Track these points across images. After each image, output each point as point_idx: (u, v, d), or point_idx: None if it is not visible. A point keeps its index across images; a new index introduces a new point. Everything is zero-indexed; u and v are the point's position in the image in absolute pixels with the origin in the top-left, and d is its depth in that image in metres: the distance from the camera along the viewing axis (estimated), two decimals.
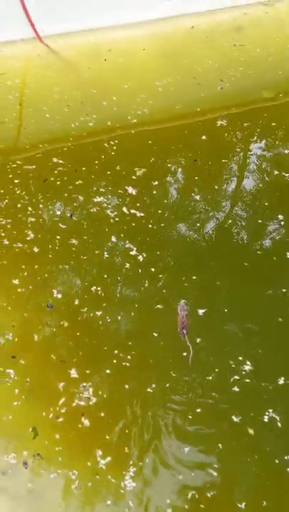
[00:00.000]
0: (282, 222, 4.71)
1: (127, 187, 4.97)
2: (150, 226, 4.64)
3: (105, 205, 4.79)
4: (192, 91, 6.11)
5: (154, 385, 3.72)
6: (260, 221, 4.75)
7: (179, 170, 5.17)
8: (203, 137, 5.51)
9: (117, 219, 4.67)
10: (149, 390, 3.71)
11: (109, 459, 3.45)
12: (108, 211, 4.74)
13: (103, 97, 5.87)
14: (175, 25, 6.95)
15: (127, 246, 4.49)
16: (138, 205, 4.79)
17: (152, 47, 6.62)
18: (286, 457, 3.47)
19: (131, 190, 4.94)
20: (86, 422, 3.58)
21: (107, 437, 3.53)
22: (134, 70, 6.29)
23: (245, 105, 6.01)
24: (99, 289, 4.22)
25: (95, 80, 6.08)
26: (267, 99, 6.04)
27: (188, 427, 3.58)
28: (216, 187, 5.03)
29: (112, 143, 5.39)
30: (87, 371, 3.79)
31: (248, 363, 3.82)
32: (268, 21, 7.19)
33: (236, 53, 6.64)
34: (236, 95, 6.10)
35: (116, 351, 3.87)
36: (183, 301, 4.10)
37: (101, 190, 4.93)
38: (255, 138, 5.55)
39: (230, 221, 4.74)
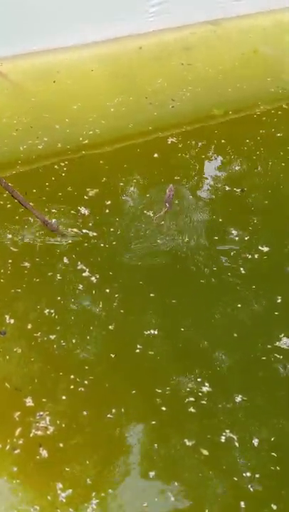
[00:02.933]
0: (236, 238, 4.66)
1: (79, 207, 4.87)
2: (102, 245, 4.54)
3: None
4: (144, 110, 6.08)
5: (113, 410, 3.58)
6: (215, 237, 4.70)
7: (132, 188, 5.09)
8: (155, 155, 5.46)
9: (69, 241, 4.55)
10: (108, 415, 3.57)
11: (70, 491, 3.29)
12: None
13: (54, 119, 5.79)
14: (123, 46, 6.93)
15: (79, 267, 4.37)
16: (90, 225, 4.70)
17: (101, 68, 6.59)
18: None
19: (83, 210, 4.84)
20: (44, 453, 3.42)
21: (67, 469, 3.37)
22: (84, 91, 6.23)
23: (196, 123, 5.99)
24: (52, 311, 4.09)
25: (44, 102, 6.00)
26: (217, 117, 6.04)
27: (151, 452, 3.44)
28: (169, 204, 4.96)
29: (62, 164, 5.30)
30: (44, 399, 3.64)
31: (206, 383, 3.71)
32: (215, 40, 7.24)
33: (185, 72, 6.65)
34: (187, 113, 6.09)
35: (72, 376, 3.73)
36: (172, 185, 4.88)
37: (52, 211, 4.81)
38: (206, 155, 5.52)
39: (184, 238, 4.67)
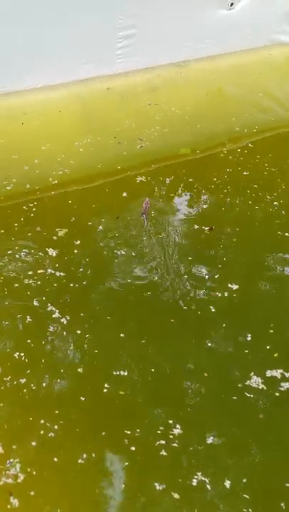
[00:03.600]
0: (206, 276, 4.70)
1: (47, 248, 4.86)
2: (72, 286, 4.53)
3: (26, 267, 4.65)
4: (112, 150, 6.14)
5: (84, 455, 3.52)
6: (185, 276, 4.72)
7: (100, 227, 5.11)
8: (124, 194, 5.51)
9: (38, 282, 4.53)
10: (80, 461, 3.50)
11: None
12: (29, 274, 4.60)
13: (23, 160, 5.81)
14: (91, 87, 7.04)
15: (49, 309, 4.35)
16: (58, 265, 4.69)
17: (68, 108, 6.67)
18: None
19: (51, 251, 4.83)
20: (15, 503, 3.33)
21: None
22: (52, 131, 6.29)
23: (164, 162, 6.07)
24: (22, 354, 4.03)
25: (13, 144, 6.03)
26: (185, 156, 6.14)
27: (122, 497, 3.39)
28: (139, 244, 4.99)
29: (31, 205, 5.31)
30: (13, 446, 3.56)
31: (177, 425, 3.68)
32: (181, 81, 7.40)
33: (152, 112, 6.77)
34: (155, 152, 6.17)
35: (42, 421, 3.66)
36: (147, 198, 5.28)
37: (22, 252, 4.79)
38: (174, 193, 5.59)
39: (154, 277, 4.69)
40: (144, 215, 5.24)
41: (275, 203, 5.50)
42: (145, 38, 7.25)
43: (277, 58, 8.01)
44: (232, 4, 7.65)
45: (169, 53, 7.53)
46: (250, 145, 6.27)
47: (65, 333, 4.19)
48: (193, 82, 7.42)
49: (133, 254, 4.89)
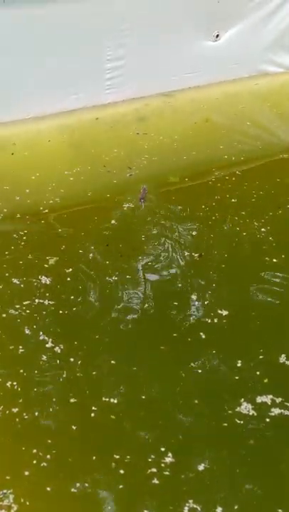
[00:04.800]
0: (196, 303, 4.76)
1: (40, 276, 4.91)
2: (64, 314, 4.58)
3: (18, 296, 4.69)
4: (102, 178, 6.23)
5: (77, 484, 3.53)
6: (175, 303, 4.77)
7: (91, 255, 5.17)
8: (113, 222, 5.58)
9: (28, 311, 4.57)
10: (72, 490, 3.51)
11: None
12: (21, 302, 4.64)
13: (14, 191, 5.87)
14: (80, 117, 7.16)
15: (41, 338, 4.38)
16: (49, 294, 4.73)
17: (58, 139, 6.77)
18: None
19: (44, 279, 4.88)
20: None
21: None
22: (42, 161, 6.38)
23: (153, 190, 6.14)
24: (15, 383, 4.06)
25: (4, 174, 6.10)
26: (173, 184, 6.23)
27: None
28: (129, 270, 5.05)
29: (21, 233, 5.37)
30: (7, 476, 3.57)
31: (169, 453, 3.70)
32: (169, 111, 7.53)
33: (141, 142, 6.87)
34: (144, 180, 6.24)
35: (35, 450, 3.67)
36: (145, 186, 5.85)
37: (13, 281, 4.84)
38: (163, 220, 5.65)
39: (145, 305, 4.74)
40: (142, 200, 5.74)
41: (262, 229, 5.58)
42: (133, 69, 7.39)
43: (263, 88, 8.17)
44: (218, 35, 7.82)
45: (157, 84, 7.67)
46: (237, 172, 6.37)
47: (58, 361, 4.22)
48: (181, 112, 7.56)
49: (124, 279, 4.94)
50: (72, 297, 4.75)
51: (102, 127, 7.08)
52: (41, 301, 4.67)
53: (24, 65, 6.69)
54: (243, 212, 5.77)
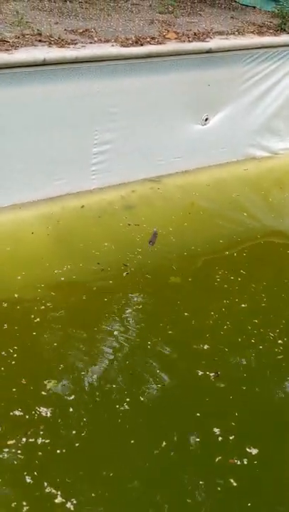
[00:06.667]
0: (220, 438, 4.10)
1: (37, 407, 4.19)
2: (58, 452, 3.89)
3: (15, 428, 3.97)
4: (96, 278, 5.61)
5: None
6: (197, 439, 4.14)
7: (94, 376, 4.52)
8: (116, 333, 4.95)
9: (25, 455, 3.85)
10: None
11: None
12: (19, 448, 3.92)
13: (0, 296, 5.18)
14: (64, 205, 6.58)
15: (47, 491, 3.65)
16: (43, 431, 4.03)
17: (42, 230, 6.15)
18: None
19: (44, 411, 4.16)
20: None
21: None
22: (26, 257, 5.73)
23: (153, 292, 5.55)
24: None
25: None
26: (175, 284, 5.65)
27: None
28: (140, 390, 4.41)
29: (11, 350, 4.65)
30: None
31: None
32: (158, 198, 7.06)
33: (133, 234, 6.33)
34: (143, 281, 5.64)
35: None
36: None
37: (13, 414, 4.10)
38: (172, 330, 5.04)
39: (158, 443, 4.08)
40: (151, 243, 5.95)
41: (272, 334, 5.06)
42: (120, 153, 6.92)
43: (251, 173, 7.84)
44: (207, 119, 7.48)
45: (144, 169, 7.21)
46: (242, 272, 5.86)
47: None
48: (170, 200, 7.09)
49: (138, 404, 4.30)
50: (73, 432, 4.05)
51: (89, 217, 6.49)
52: (39, 441, 3.95)
53: (5, 148, 6.09)
54: (256, 321, 5.24)
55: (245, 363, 4.82)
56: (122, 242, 6.17)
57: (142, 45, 6.77)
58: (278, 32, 7.93)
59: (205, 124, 7.51)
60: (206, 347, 4.91)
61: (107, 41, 6.73)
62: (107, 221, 6.50)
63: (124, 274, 5.68)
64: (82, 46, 6.41)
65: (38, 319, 5.00)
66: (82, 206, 6.61)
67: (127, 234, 6.32)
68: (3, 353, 4.63)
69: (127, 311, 5.22)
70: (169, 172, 7.41)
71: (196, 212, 6.91)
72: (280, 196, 7.53)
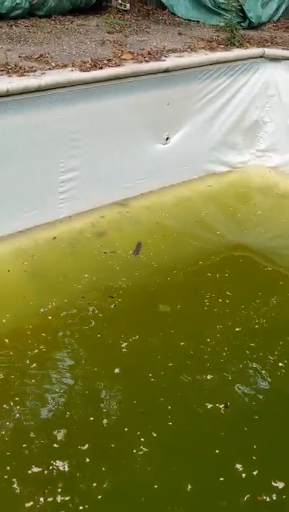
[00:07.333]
0: (243, 475, 4.01)
1: (53, 461, 3.97)
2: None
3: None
4: (84, 314, 5.39)
5: None
6: (221, 478, 4.03)
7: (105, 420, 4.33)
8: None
9: None
10: None
11: None
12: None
13: None
14: (36, 238, 6.34)
15: None
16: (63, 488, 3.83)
17: (18, 267, 5.89)
18: None
19: (61, 465, 3.95)
20: None
21: None
22: (8, 299, 5.45)
23: (143, 322, 5.41)
24: None
25: None
26: (164, 313, 5.53)
27: None
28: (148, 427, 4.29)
29: (12, 402, 4.40)
30: None
31: None
32: (127, 222, 6.92)
33: (110, 262, 6.17)
34: (131, 311, 5.49)
35: None
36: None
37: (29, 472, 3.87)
38: (172, 362, 4.93)
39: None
40: (136, 253, 6.20)
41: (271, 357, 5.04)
42: (86, 179, 6.74)
43: (214, 189, 7.82)
44: (168, 138, 7.42)
45: (110, 193, 7.07)
46: (229, 293, 5.81)
47: None
48: (138, 223, 6.96)
49: (154, 445, 4.16)
50: (94, 484, 3.87)
51: (63, 248, 6.27)
52: (58, 499, 3.73)
53: None
54: (253, 344, 5.20)
55: (251, 391, 4.75)
56: (102, 272, 6.00)
57: (101, 68, 6.62)
58: (228, 46, 7.96)
59: (166, 144, 7.44)
60: (209, 377, 4.82)
61: (65, 66, 6.54)
62: (82, 251, 6.30)
63: (112, 306, 5.52)
64: (42, 73, 6.19)
65: (34, 364, 4.77)
66: (54, 237, 6.39)
67: (105, 262, 6.16)
68: (5, 405, 4.37)
69: (123, 346, 5.06)
70: (134, 194, 7.29)
71: (170, 235, 6.80)
72: (246, 210, 7.54)
